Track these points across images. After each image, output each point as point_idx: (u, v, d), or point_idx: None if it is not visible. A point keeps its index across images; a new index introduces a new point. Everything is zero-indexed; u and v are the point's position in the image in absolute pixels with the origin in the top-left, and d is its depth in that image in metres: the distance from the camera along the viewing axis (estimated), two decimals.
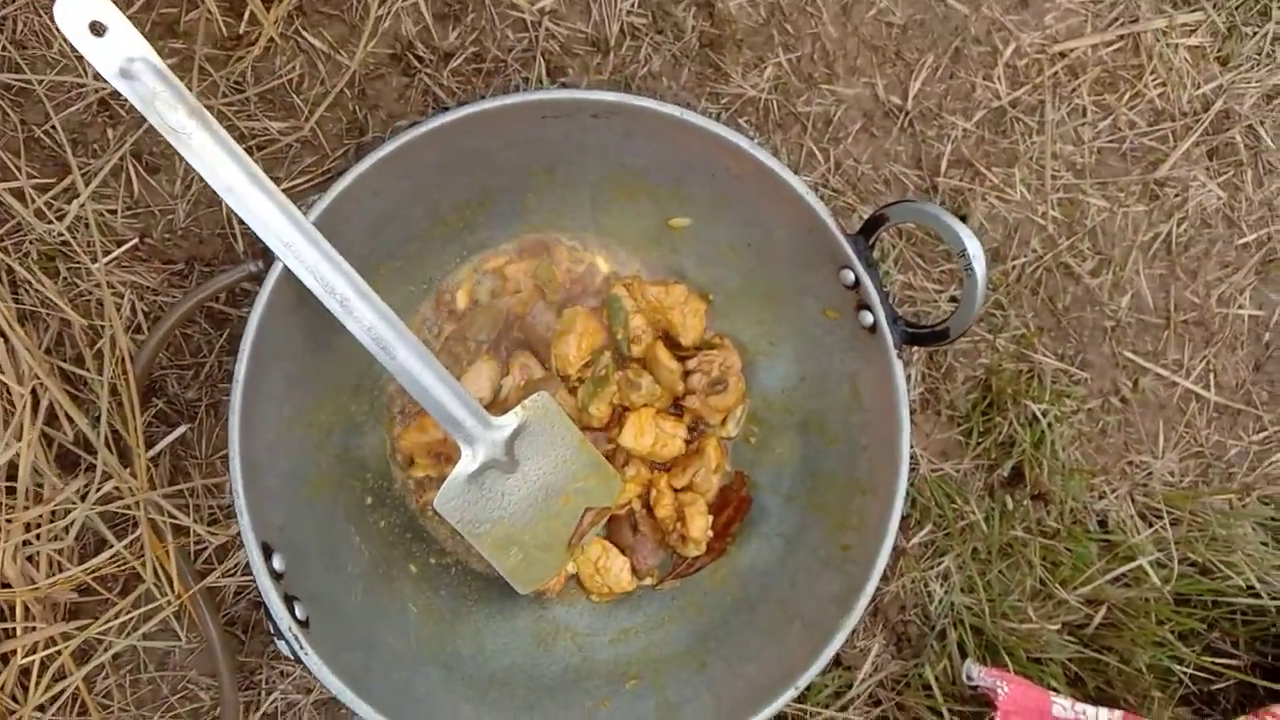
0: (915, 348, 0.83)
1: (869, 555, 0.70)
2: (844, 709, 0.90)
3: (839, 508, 0.74)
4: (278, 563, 0.62)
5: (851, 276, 0.71)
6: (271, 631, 0.62)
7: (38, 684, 0.76)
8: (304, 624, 0.62)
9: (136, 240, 0.81)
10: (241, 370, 0.62)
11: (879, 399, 0.72)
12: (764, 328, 0.80)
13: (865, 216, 0.73)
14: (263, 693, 0.80)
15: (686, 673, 0.73)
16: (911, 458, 0.72)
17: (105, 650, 0.78)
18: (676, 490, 0.80)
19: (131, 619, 0.78)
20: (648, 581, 0.80)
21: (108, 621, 0.77)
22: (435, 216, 0.74)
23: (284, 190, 0.82)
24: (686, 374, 0.81)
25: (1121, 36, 0.97)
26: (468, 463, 0.70)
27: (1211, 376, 1.00)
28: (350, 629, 0.67)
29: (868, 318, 0.72)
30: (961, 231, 0.67)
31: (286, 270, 0.63)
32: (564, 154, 0.72)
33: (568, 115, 0.68)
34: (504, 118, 0.66)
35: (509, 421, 0.71)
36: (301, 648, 0.61)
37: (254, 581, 0.64)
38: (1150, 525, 0.97)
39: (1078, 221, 0.98)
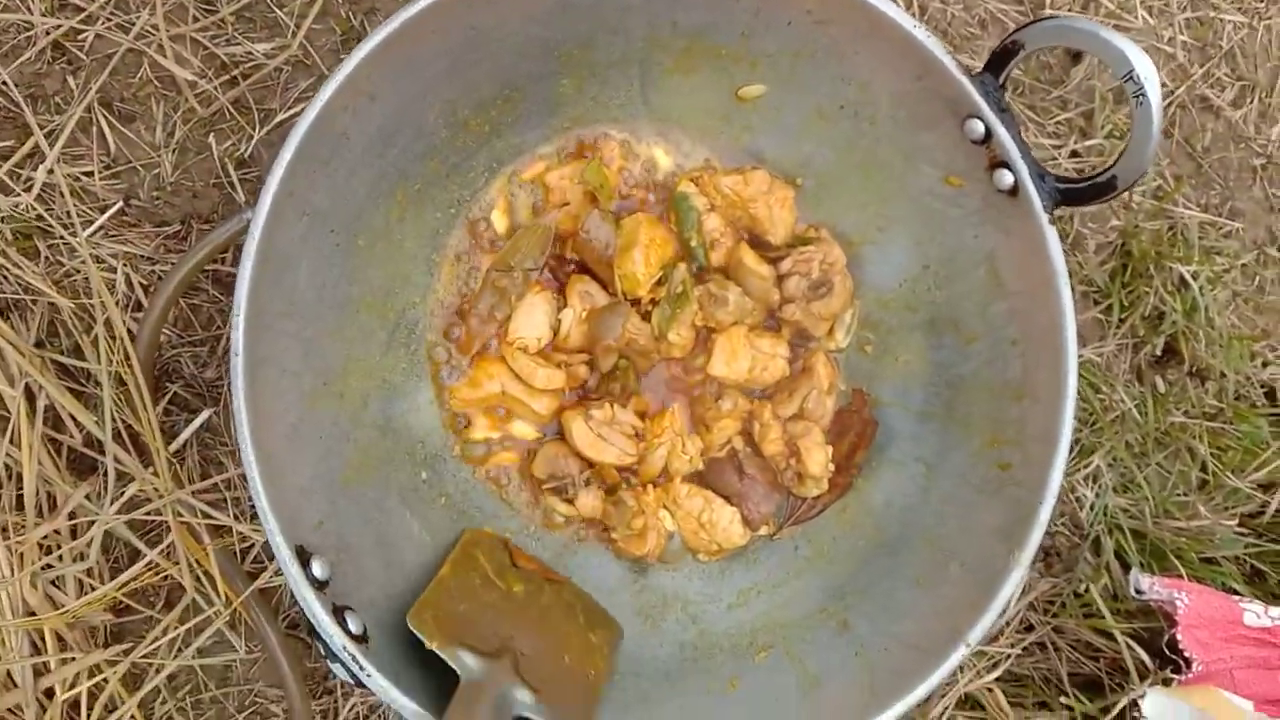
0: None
1: (1038, 473, 0.53)
2: (993, 641, 0.74)
3: (989, 419, 0.58)
4: (319, 569, 0.48)
5: (981, 128, 0.53)
6: (323, 653, 0.48)
7: (89, 718, 0.63)
8: (361, 638, 0.48)
9: (121, 203, 0.66)
10: (239, 340, 0.46)
11: (1028, 279, 0.55)
12: (869, 210, 0.62)
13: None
14: (339, 699, 0.67)
15: (825, 636, 0.57)
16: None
17: (157, 673, 0.65)
18: (784, 420, 0.63)
19: (180, 634, 0.65)
20: (763, 532, 0.64)
21: (154, 640, 0.64)
22: (453, 122, 0.56)
23: (280, 119, 0.68)
24: (780, 279, 0.63)
25: None
26: None
27: None
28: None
29: (1006, 178, 0.54)
30: (1126, 47, 0.49)
31: (276, 207, 0.47)
32: (600, 21, 0.54)
33: None
34: None
35: None
36: (361, 668, 0.47)
37: None
38: None
39: (1211, 44, 0.78)
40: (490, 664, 0.50)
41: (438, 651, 0.49)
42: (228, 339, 0.66)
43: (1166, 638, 0.71)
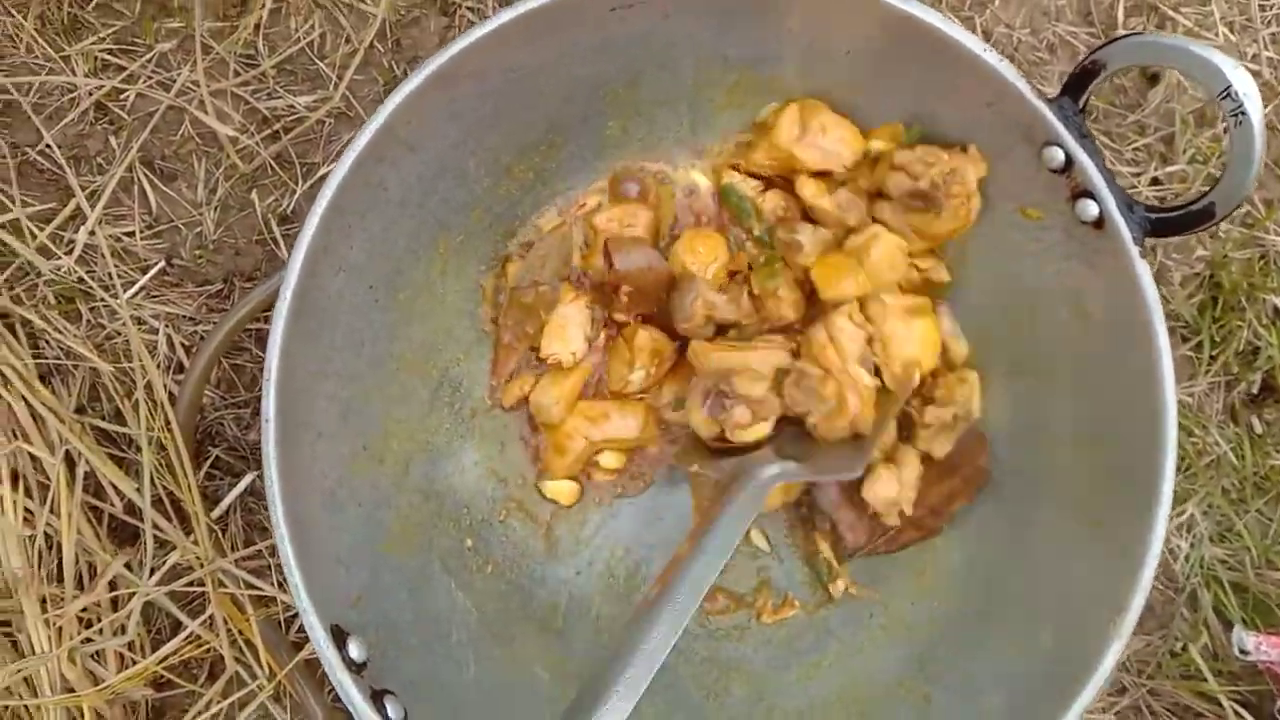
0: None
1: (1136, 531, 0.48)
2: None
3: (1079, 473, 0.52)
4: (356, 650, 0.44)
5: (1060, 156, 0.49)
6: None
7: None
8: None
9: (162, 262, 0.64)
10: (270, 404, 0.43)
11: (1117, 317, 0.49)
12: (940, 250, 0.58)
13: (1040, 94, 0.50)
14: None
15: (905, 712, 0.52)
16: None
17: None
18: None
19: (224, 709, 0.62)
20: (840, 584, 0.58)
21: (197, 715, 0.61)
22: (496, 169, 0.53)
23: (323, 173, 0.65)
24: (875, 196, 0.54)
25: None
26: None
27: None
28: (466, 715, 0.48)
29: (1090, 209, 0.49)
30: (1223, 63, 0.44)
31: (310, 263, 0.44)
32: (646, 58, 0.51)
33: (644, 1, 0.47)
34: (560, 18, 0.46)
35: None
36: None
37: None
38: None
39: None
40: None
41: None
42: None
43: (1278, 704, 0.65)
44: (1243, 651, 0.66)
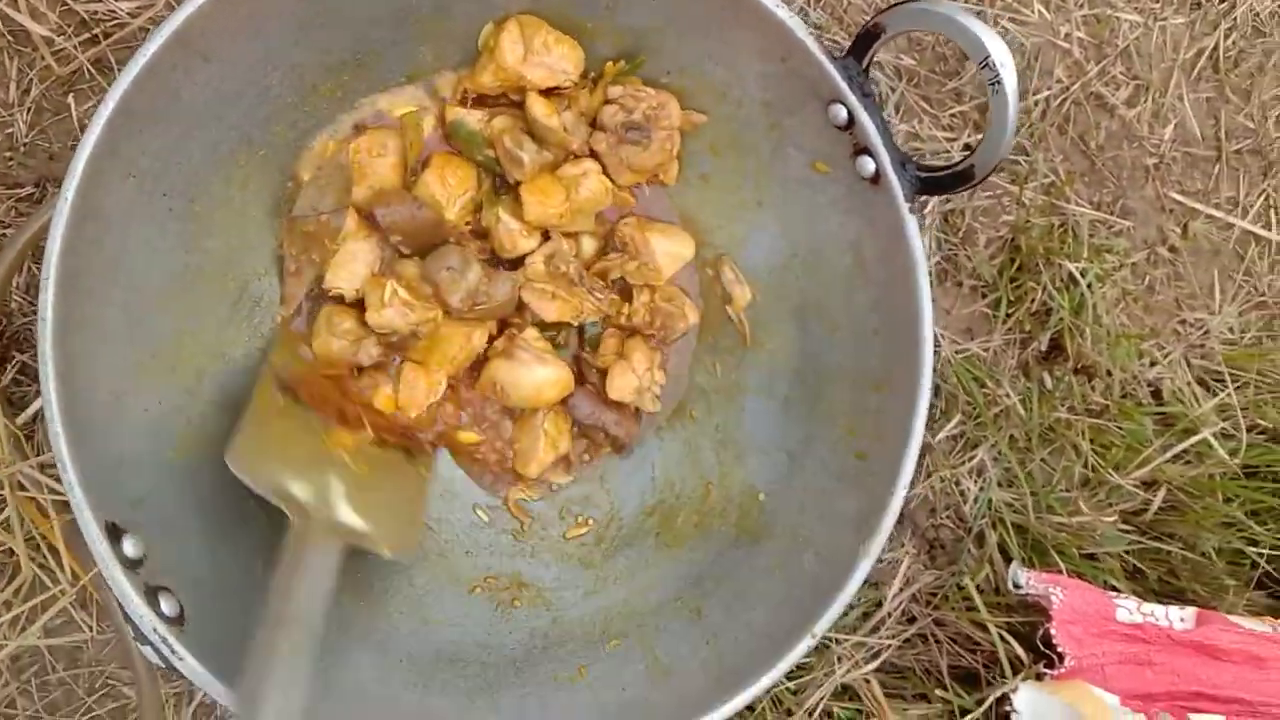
0: (929, 200, 0.63)
1: (891, 464, 0.52)
2: (874, 630, 0.73)
3: (850, 409, 0.56)
4: (131, 547, 0.45)
5: (843, 113, 0.52)
6: (133, 636, 0.46)
7: None
8: (178, 620, 0.46)
9: None
10: (48, 303, 0.44)
11: (889, 268, 0.53)
12: (739, 195, 0.61)
13: None
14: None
15: (679, 624, 0.56)
16: (933, 339, 0.54)
17: None
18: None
19: (25, 612, 0.62)
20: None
21: None
22: (301, 86, 0.54)
23: None
24: (594, 125, 0.58)
25: None
26: None
27: (1272, 213, 0.81)
28: (247, 615, 0.50)
29: (868, 165, 0.52)
30: (982, 33, 0.48)
31: (95, 164, 0.45)
32: None
33: None
34: None
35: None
36: (173, 652, 0.45)
37: None
38: (1211, 391, 0.79)
39: (1108, 42, 0.78)
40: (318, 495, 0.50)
41: (262, 493, 0.49)
42: None
43: (1042, 632, 0.71)
44: (1016, 585, 0.72)
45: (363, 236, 0.56)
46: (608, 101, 0.56)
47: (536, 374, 0.57)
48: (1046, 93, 0.76)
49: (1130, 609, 0.71)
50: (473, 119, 0.57)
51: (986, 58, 0.48)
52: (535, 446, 0.60)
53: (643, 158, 0.56)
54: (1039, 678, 0.71)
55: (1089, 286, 0.75)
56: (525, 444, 0.61)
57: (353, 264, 0.55)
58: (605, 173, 0.58)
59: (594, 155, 0.58)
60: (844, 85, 0.51)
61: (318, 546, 0.48)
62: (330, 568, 0.49)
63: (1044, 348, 0.76)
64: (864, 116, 0.51)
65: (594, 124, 0.58)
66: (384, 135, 0.56)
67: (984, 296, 0.76)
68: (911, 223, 0.52)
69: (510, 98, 0.58)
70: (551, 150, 0.57)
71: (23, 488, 0.60)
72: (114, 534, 0.45)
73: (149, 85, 0.45)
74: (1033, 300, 0.75)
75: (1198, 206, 0.80)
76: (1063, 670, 0.70)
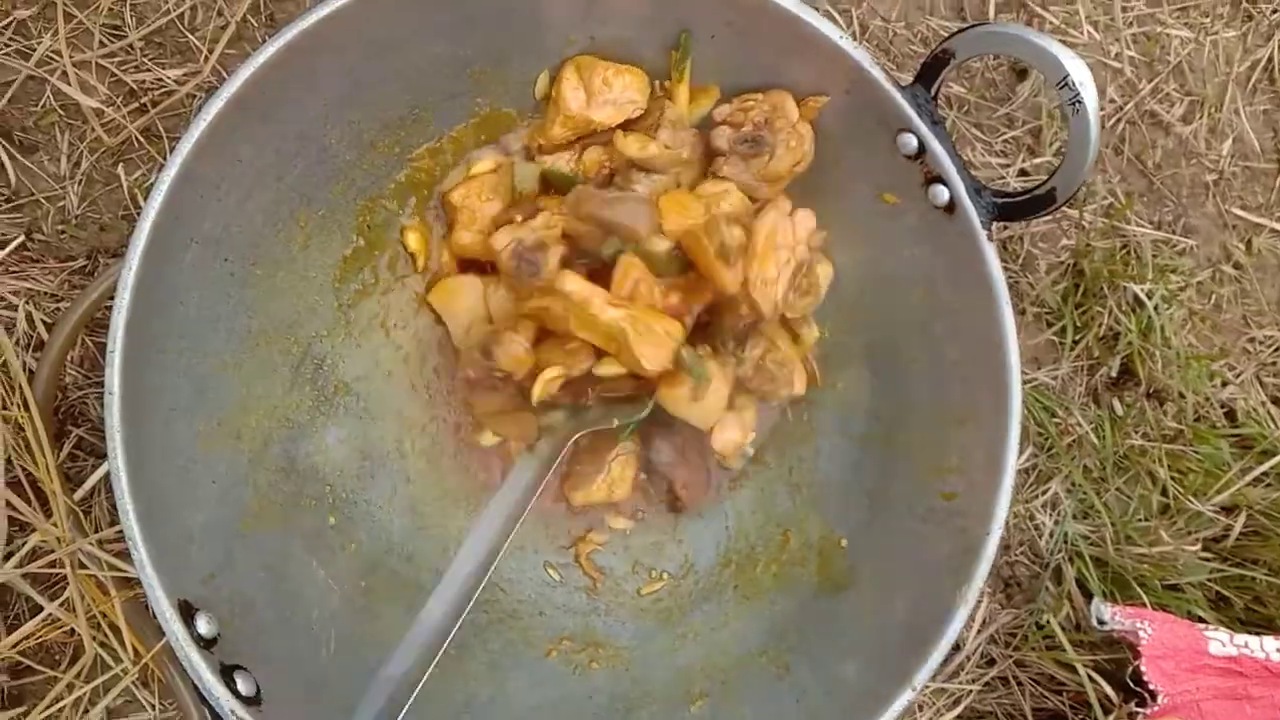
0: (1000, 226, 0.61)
1: (982, 503, 0.50)
2: (953, 676, 0.70)
3: (931, 446, 0.54)
4: (205, 625, 0.43)
5: (913, 142, 0.51)
6: (209, 717, 0.44)
7: None
8: (254, 700, 0.44)
9: (23, 237, 0.62)
10: (115, 377, 0.43)
11: (965, 297, 0.52)
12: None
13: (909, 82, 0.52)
14: None
15: (764, 681, 0.53)
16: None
17: None
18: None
19: (86, 693, 0.60)
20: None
21: (56, 701, 0.59)
22: (359, 143, 0.53)
23: None
24: (710, 159, 0.55)
25: None
26: None
27: None
28: (325, 692, 0.48)
29: (941, 194, 0.51)
30: (1060, 52, 0.47)
31: (158, 233, 0.44)
32: (513, 38, 0.52)
33: None
34: None
35: None
36: None
37: None
38: None
39: (1159, 59, 0.76)
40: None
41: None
42: None
43: (1131, 669, 0.68)
44: (1100, 621, 0.69)
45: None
46: (716, 124, 0.54)
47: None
48: (1100, 114, 0.74)
49: (1223, 641, 0.68)
50: (562, 162, 0.55)
51: (1065, 77, 0.46)
52: (594, 478, 0.59)
53: (774, 165, 0.53)
54: (1131, 717, 0.67)
55: (1155, 308, 0.73)
56: (587, 470, 0.59)
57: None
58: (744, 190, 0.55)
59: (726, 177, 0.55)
60: (914, 114, 0.50)
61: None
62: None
63: (1114, 373, 0.74)
64: (936, 145, 0.50)
65: (708, 150, 0.56)
66: (481, 181, 0.55)
67: (1049, 324, 0.73)
68: (990, 250, 0.50)
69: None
70: (667, 171, 0.54)
71: (82, 565, 0.58)
72: (187, 612, 0.43)
73: (209, 150, 0.45)
74: (1099, 325, 0.73)
75: (1261, 221, 0.78)
76: (1157, 708, 0.67)
